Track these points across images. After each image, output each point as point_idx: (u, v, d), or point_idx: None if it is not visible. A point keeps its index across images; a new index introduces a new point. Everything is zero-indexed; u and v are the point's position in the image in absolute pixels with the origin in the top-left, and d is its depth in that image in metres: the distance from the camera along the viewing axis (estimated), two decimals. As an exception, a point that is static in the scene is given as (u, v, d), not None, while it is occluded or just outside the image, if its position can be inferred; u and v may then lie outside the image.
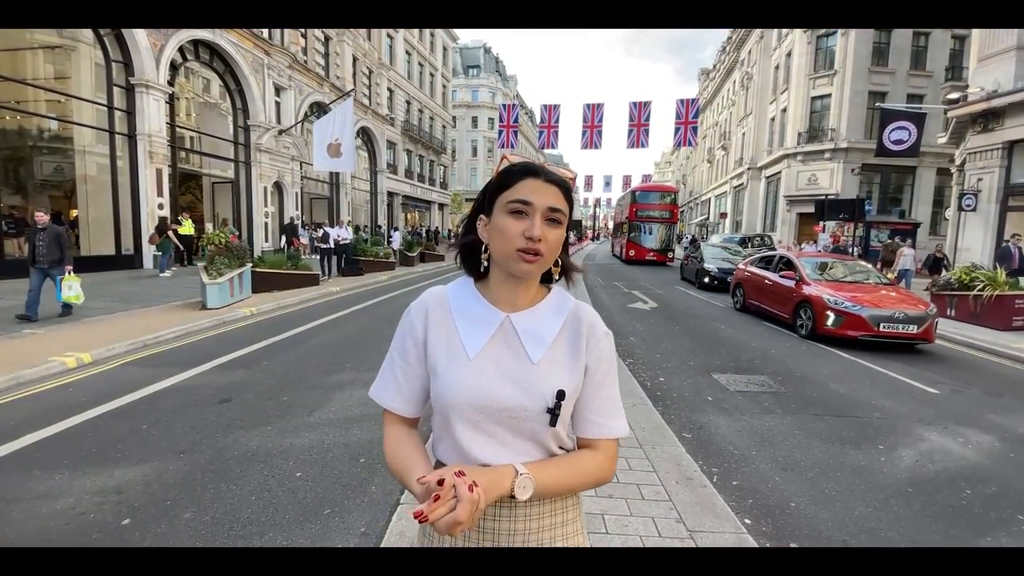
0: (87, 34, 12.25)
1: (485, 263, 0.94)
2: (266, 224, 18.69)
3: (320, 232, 14.94)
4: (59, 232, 7.11)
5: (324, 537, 2.50)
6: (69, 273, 7.03)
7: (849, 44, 24.40)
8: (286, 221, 19.25)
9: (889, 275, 11.79)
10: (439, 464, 0.95)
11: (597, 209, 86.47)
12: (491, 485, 0.77)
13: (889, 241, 17.55)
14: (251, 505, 2.75)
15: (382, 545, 2.32)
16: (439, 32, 37.45)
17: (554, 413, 0.86)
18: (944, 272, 11.44)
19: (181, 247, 13.16)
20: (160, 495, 2.82)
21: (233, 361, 5.60)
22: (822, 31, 25.51)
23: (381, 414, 0.98)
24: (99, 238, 12.83)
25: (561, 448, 0.93)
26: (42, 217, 7.02)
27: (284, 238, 17.44)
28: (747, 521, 2.70)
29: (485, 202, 0.92)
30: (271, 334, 6.94)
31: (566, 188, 0.88)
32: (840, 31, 24.59)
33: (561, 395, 0.87)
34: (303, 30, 20.91)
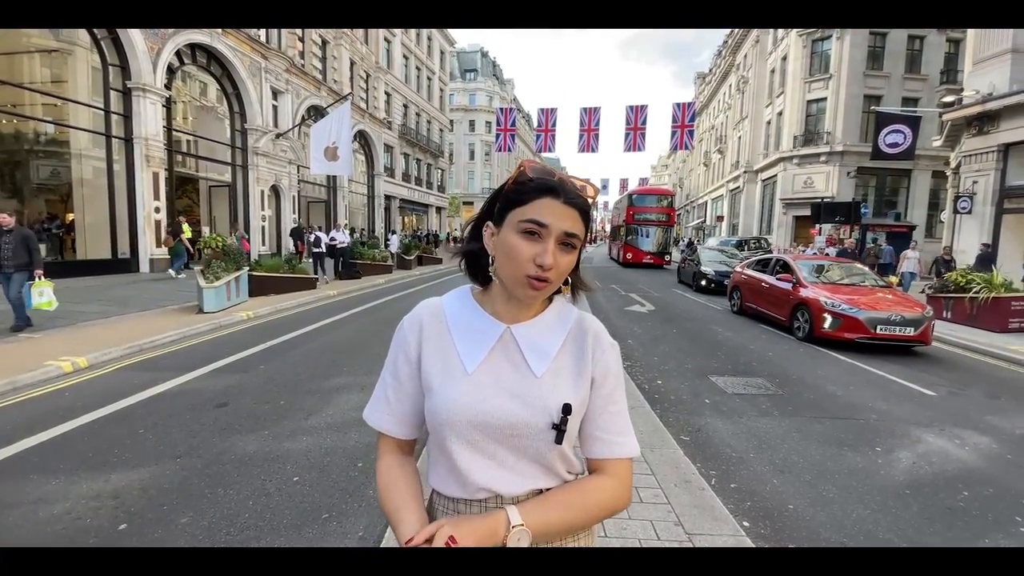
0: (84, 38, 12.25)
1: (492, 276, 0.88)
2: (263, 228, 18.65)
3: (312, 236, 15.13)
4: (27, 235, 6.63)
5: (321, 541, 2.49)
6: (40, 278, 6.54)
7: (844, 48, 24.57)
8: (293, 225, 19.87)
9: (891, 278, 11.79)
10: (434, 495, 0.90)
11: (594, 212, 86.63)
12: (482, 541, 0.75)
13: (872, 245, 17.65)
14: (248, 510, 2.74)
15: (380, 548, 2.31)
16: (436, 35, 37.56)
17: (560, 429, 0.80)
18: None
19: (191, 249, 13.20)
20: (156, 500, 2.81)
21: (230, 365, 5.59)
22: (817, 35, 25.71)
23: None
24: (95, 242, 12.79)
25: (569, 472, 0.88)
26: (6, 219, 6.52)
27: (292, 242, 18.21)
28: (745, 524, 2.70)
29: (495, 210, 0.85)
30: (268, 338, 6.93)
31: (585, 210, 0.82)
32: (835, 35, 24.80)
33: (567, 409, 0.81)
34: (300, 34, 20.95)
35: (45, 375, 4.96)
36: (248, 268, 10.04)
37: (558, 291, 0.92)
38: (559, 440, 0.81)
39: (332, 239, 14.91)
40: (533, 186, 0.80)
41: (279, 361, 5.79)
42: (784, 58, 28.35)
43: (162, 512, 2.69)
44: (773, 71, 30.47)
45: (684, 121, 23.51)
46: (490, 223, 0.86)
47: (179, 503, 2.78)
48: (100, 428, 3.79)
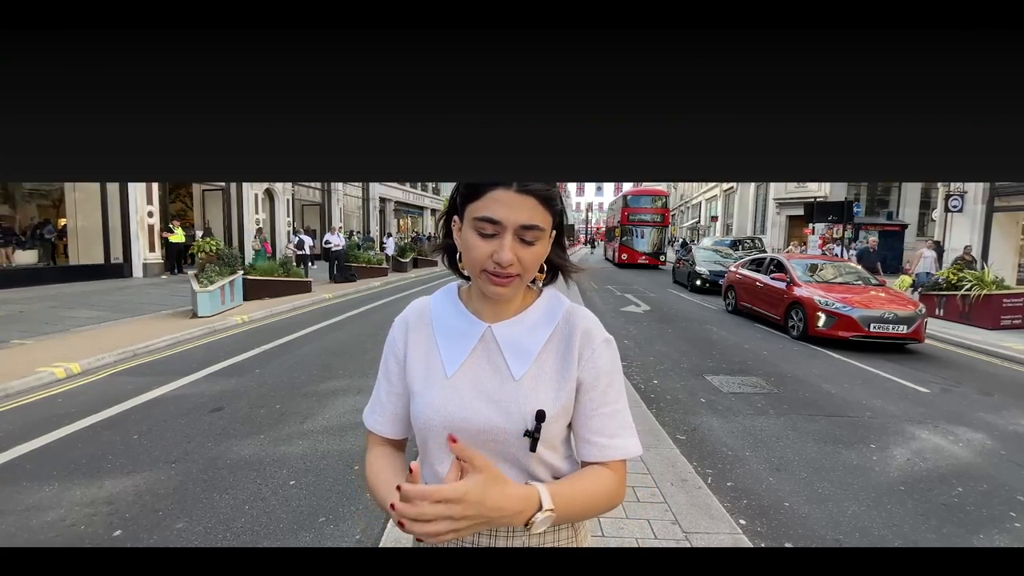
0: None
1: (464, 272, 0.85)
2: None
3: (296, 239, 15.38)
4: None
5: (318, 545, 2.48)
6: None
7: (835, 49, 24.75)
8: (299, 229, 20.64)
9: (904, 279, 11.65)
10: None
11: (589, 214, 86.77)
12: (507, 512, 0.68)
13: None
14: (244, 514, 2.72)
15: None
16: (430, 39, 37.62)
17: (533, 436, 0.77)
18: None
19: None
20: (152, 505, 2.79)
21: (225, 369, 5.55)
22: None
23: None
24: (88, 247, 12.71)
25: (554, 477, 0.83)
26: None
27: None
28: (742, 522, 2.71)
29: (456, 203, 0.81)
30: (263, 342, 6.89)
31: (545, 196, 0.76)
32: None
33: (541, 416, 0.77)
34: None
35: (38, 381, 4.92)
36: (242, 272, 10.00)
37: (546, 282, 0.90)
38: (533, 448, 0.77)
39: (327, 242, 14.94)
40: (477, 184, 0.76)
41: (274, 365, 5.77)
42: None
43: (157, 518, 2.67)
44: (765, 72, 30.63)
45: (678, 122, 23.60)
46: (456, 217, 0.82)
47: (174, 508, 2.76)
48: (93, 434, 3.76)
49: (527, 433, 0.77)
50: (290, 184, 20.81)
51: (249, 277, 10.35)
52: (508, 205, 0.73)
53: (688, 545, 2.31)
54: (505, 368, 0.81)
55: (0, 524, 2.59)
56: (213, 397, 4.60)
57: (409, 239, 24.25)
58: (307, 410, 4.30)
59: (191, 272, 9.36)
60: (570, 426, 0.85)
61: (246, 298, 9.92)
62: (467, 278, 0.88)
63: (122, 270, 13.17)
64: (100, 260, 12.83)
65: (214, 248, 9.63)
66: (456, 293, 0.90)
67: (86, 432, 3.79)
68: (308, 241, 15.15)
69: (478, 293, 0.85)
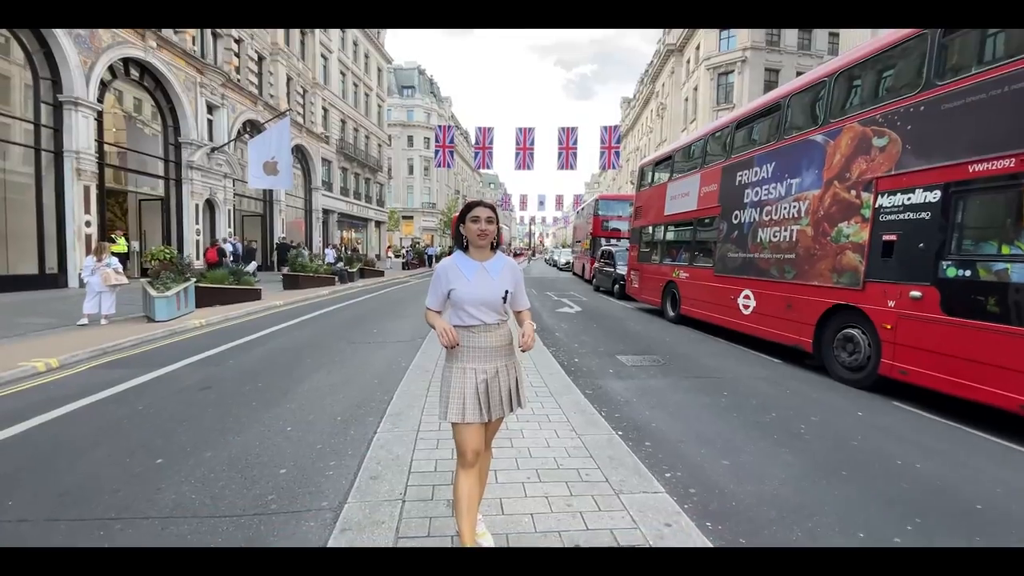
0: (17, 54, 12.09)
1: (466, 243, 2.16)
2: (197, 241, 18.44)
3: (229, 246, 17.48)
4: None
5: (320, 462, 3.39)
6: None
7: (744, 81, 27.95)
8: (277, 240, 23.97)
9: None
10: (455, 327, 2.07)
11: (533, 227, 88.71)
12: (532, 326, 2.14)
13: None
14: (257, 448, 3.59)
15: (363, 464, 3.23)
16: (373, 53, 38.19)
17: (504, 299, 2.10)
18: None
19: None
20: (180, 443, 3.58)
21: (201, 361, 6.20)
22: (722, 68, 29.04)
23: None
24: (20, 256, 12.42)
25: (505, 314, 2.16)
26: None
27: (277, 255, 22.50)
28: (619, 432, 3.89)
29: (460, 219, 2.16)
30: (227, 340, 7.50)
31: (493, 208, 2.17)
32: (736, 70, 28.13)
33: (506, 293, 2.10)
34: (236, 50, 21.03)
35: (23, 373, 5.38)
36: (194, 280, 10.37)
37: (494, 248, 2.18)
38: (505, 301, 2.11)
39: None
40: (471, 203, 2.16)
41: (247, 357, 6.46)
42: (695, 89, 31.61)
43: (187, 451, 3.48)
44: (687, 99, 33.77)
45: (611, 143, 25.58)
46: (461, 225, 2.17)
47: (200, 445, 3.57)
48: (103, 408, 4.42)
49: (503, 298, 2.10)
50: (231, 195, 20.76)
51: (201, 285, 10.72)
52: (481, 212, 2.11)
53: (580, 442, 3.44)
54: (489, 277, 2.12)
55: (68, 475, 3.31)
56: (199, 380, 5.31)
57: (348, 251, 24.37)
58: (287, 387, 5.11)
59: (144, 280, 9.66)
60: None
61: (198, 305, 10.29)
62: (466, 248, 2.17)
63: (57, 280, 12.95)
64: (34, 270, 12.58)
65: (168, 256, 9.97)
66: (463, 253, 2.17)
67: (93, 407, 4.44)
68: (228, 248, 17.07)
69: (473, 250, 2.16)
